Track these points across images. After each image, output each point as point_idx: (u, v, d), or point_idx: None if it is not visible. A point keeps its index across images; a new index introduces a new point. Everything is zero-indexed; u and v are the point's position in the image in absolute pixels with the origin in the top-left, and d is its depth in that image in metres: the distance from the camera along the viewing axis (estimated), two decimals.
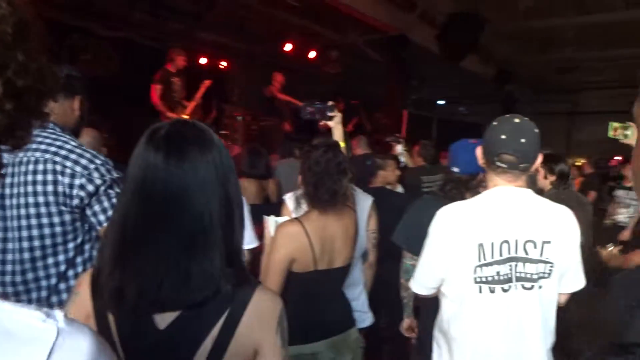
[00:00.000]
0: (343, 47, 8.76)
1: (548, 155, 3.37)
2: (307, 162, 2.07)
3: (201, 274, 0.93)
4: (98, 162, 1.66)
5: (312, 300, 2.09)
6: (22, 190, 1.59)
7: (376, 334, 2.93)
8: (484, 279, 1.63)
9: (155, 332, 0.94)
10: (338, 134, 2.46)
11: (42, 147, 1.62)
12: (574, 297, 1.81)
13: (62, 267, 1.66)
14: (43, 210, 1.59)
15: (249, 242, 2.52)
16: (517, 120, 1.66)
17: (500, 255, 1.63)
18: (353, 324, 2.25)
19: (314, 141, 2.19)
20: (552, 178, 3.43)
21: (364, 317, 2.57)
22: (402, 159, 4.94)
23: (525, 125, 1.65)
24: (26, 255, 1.60)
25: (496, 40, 9.17)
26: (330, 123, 2.48)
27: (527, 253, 1.63)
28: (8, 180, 1.59)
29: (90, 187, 1.62)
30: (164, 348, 0.95)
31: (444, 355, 1.78)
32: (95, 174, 1.63)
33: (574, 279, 1.76)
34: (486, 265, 1.62)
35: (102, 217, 1.64)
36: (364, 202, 2.66)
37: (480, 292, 1.64)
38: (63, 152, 1.62)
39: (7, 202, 1.60)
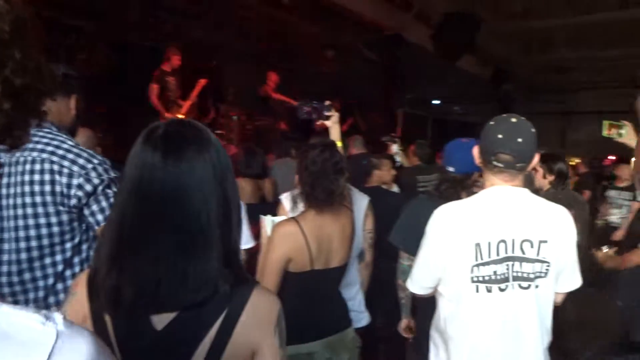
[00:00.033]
0: (339, 47, 8.75)
1: (547, 155, 3.38)
2: (304, 162, 2.07)
3: (199, 274, 0.92)
4: (95, 161, 1.65)
5: (308, 300, 2.09)
6: (19, 190, 1.57)
7: (373, 333, 2.93)
8: (481, 279, 1.63)
9: (153, 333, 0.94)
10: (335, 133, 2.45)
11: (39, 146, 1.60)
12: (570, 296, 1.82)
13: (60, 267, 1.64)
14: (40, 210, 1.58)
15: (246, 242, 2.51)
16: (514, 120, 1.66)
17: (497, 254, 1.63)
18: (349, 324, 2.25)
19: (311, 141, 2.18)
20: (551, 177, 3.44)
21: (361, 317, 2.57)
22: (398, 158, 4.95)
23: (522, 125, 1.65)
24: (23, 255, 1.59)
25: (492, 40, 9.19)
26: (327, 122, 2.46)
27: (523, 252, 1.64)
28: (4, 180, 1.58)
29: (88, 187, 1.61)
30: (162, 349, 0.94)
31: (440, 354, 1.78)
32: (93, 174, 1.62)
33: (571, 279, 1.76)
34: (483, 264, 1.63)
35: (100, 217, 1.63)
36: (361, 202, 2.66)
37: (477, 291, 1.64)
38: (60, 152, 1.61)
39: (4, 202, 1.59)
